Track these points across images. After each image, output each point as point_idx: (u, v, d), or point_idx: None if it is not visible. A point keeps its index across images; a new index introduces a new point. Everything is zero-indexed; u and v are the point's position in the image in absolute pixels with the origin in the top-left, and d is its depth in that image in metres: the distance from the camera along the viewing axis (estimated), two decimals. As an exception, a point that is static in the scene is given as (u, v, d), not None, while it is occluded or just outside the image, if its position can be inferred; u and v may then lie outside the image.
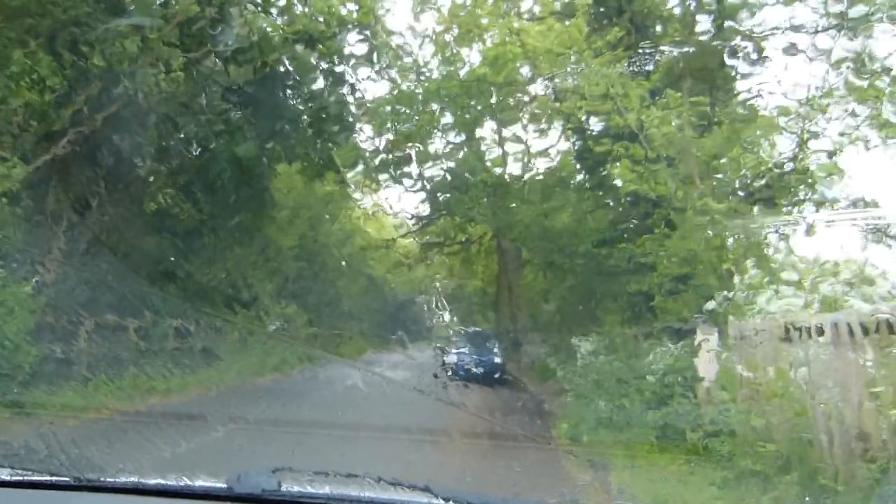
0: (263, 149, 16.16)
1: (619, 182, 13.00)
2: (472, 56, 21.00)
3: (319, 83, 17.23)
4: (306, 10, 15.81)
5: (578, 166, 18.91)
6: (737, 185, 12.93)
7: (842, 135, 12.57)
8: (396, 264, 30.13)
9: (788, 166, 13.19)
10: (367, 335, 30.10)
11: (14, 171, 9.92)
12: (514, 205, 20.01)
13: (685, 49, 13.94)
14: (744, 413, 7.19)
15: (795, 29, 13.39)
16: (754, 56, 14.34)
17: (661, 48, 14.51)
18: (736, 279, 9.38)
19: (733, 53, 14.36)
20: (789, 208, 13.64)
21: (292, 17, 15.85)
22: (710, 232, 10.92)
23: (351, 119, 18.48)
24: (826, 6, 12.96)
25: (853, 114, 12.43)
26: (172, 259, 15.27)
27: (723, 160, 11.92)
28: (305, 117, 17.24)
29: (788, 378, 6.69)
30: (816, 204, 13.95)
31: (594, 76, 12.67)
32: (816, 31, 13.09)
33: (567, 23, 14.64)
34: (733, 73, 15.03)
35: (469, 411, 10.15)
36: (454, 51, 20.76)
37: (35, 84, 10.10)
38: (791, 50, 13.31)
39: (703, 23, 15.21)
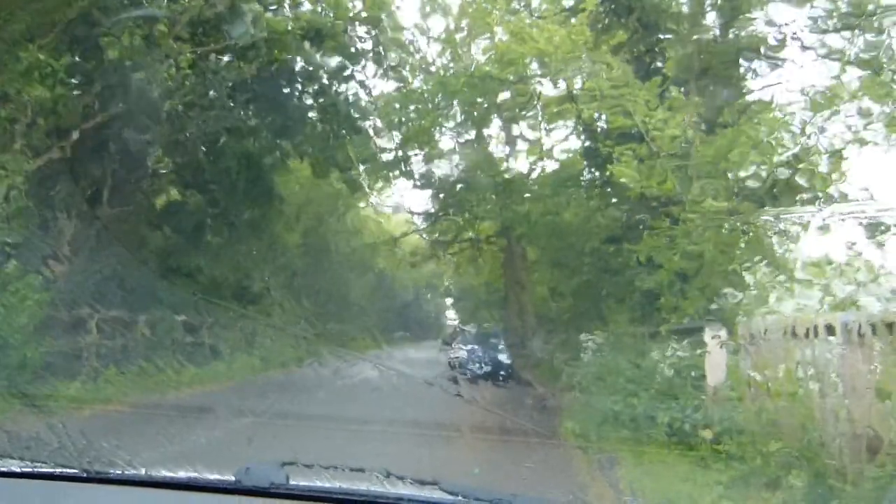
0: (272, 145, 16.19)
1: (626, 180, 12.93)
2: (481, 53, 20.95)
3: (328, 79, 17.26)
4: (316, 7, 15.83)
5: (587, 164, 18.84)
6: (744, 184, 12.83)
7: (852, 130, 12.45)
8: (404, 261, 30.11)
9: (797, 165, 13.07)
10: (374, 332, 30.11)
11: (26, 165, 9.98)
12: (522, 202, 19.95)
13: (694, 47, 13.86)
14: (752, 412, 7.16)
15: (807, 26, 13.29)
16: (765, 54, 14.25)
17: (671, 47, 14.44)
18: (745, 278, 9.33)
19: (745, 52, 14.27)
20: (798, 207, 13.53)
21: (300, 12, 15.87)
22: (720, 230, 10.85)
23: (359, 116, 18.49)
24: (837, 4, 12.85)
25: (864, 113, 12.31)
26: (180, 253, 15.33)
27: (730, 159, 11.83)
28: (314, 114, 17.26)
29: (797, 378, 6.65)
30: (825, 203, 13.83)
31: (602, 74, 12.61)
32: (826, 31, 12.98)
33: (574, 20, 14.58)
34: (743, 72, 14.93)
35: (477, 407, 10.14)
36: (463, 48, 20.71)
37: (47, 77, 10.13)
38: (802, 48, 13.23)
39: (713, 21, 15.12)
